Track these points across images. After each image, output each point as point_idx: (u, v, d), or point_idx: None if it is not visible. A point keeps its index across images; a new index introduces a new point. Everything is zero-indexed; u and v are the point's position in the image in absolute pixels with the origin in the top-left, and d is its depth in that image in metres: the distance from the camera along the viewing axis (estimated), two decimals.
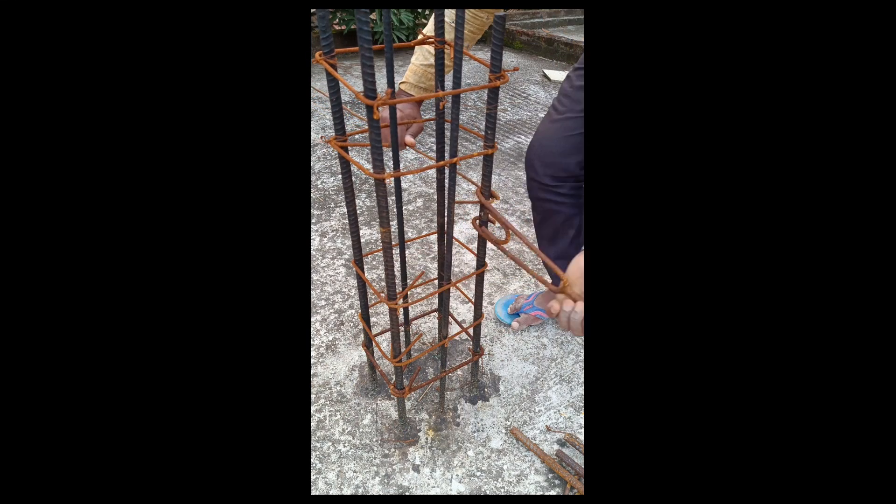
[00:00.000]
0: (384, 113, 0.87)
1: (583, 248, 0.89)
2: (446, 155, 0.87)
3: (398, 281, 1.30)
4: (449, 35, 0.88)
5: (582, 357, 1.23)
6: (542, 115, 2.85)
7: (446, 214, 0.81)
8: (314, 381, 1.14)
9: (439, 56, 0.73)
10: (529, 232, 1.74)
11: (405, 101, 0.54)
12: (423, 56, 0.91)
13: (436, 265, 1.55)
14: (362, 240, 1.65)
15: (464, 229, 1.76)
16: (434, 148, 2.18)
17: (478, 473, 0.96)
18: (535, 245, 1.12)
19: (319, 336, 1.27)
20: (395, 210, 1.55)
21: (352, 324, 1.31)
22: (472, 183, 0.75)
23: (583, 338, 0.83)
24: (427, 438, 1.02)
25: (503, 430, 1.05)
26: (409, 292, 1.09)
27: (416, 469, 0.97)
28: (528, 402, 1.12)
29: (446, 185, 0.80)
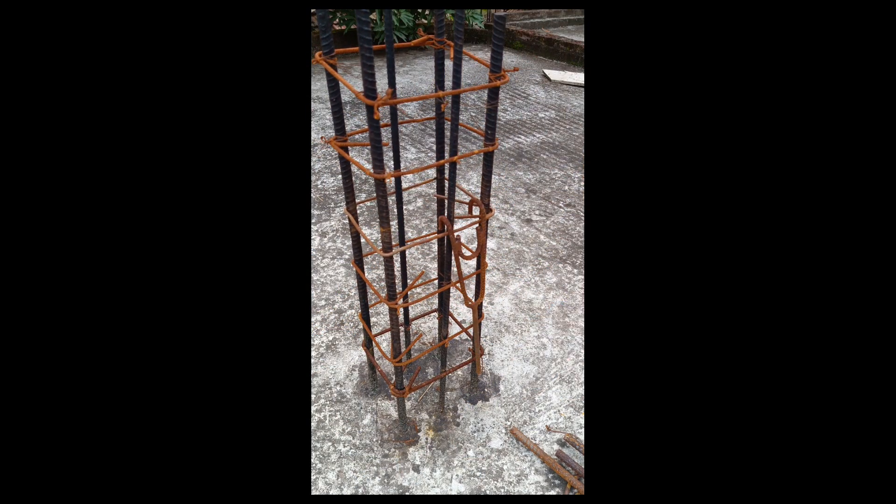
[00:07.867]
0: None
1: None
2: (446, 154, 0.87)
3: (398, 281, 1.30)
4: None
5: (582, 357, 1.23)
6: (542, 115, 2.86)
7: (446, 214, 0.81)
8: (314, 381, 1.14)
9: (439, 56, 0.73)
10: (529, 231, 1.74)
11: (405, 100, 0.53)
12: None
13: (436, 265, 1.55)
14: (361, 240, 1.65)
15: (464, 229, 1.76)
16: (434, 148, 2.18)
17: (478, 473, 0.97)
18: None
19: (319, 336, 1.27)
20: (395, 210, 1.55)
21: (352, 324, 1.31)
22: (468, 194, 0.75)
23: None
24: (427, 438, 1.02)
25: (503, 430, 1.05)
26: (409, 292, 1.09)
27: (416, 469, 0.97)
28: (528, 402, 1.12)
29: (446, 184, 0.80)
